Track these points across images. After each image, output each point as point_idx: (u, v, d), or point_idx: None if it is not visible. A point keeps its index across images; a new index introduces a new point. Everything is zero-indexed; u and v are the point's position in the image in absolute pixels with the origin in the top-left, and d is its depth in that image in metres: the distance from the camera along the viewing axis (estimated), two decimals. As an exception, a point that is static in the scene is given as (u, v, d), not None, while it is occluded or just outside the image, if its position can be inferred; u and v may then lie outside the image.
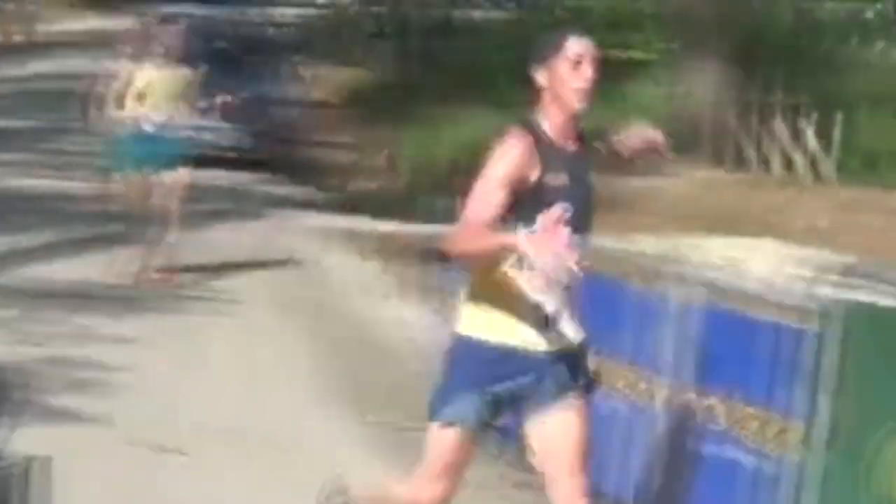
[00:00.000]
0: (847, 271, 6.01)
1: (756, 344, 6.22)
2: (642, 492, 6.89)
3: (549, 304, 5.40)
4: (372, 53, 27.99)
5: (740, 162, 18.44)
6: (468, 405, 5.55)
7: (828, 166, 17.91)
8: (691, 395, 6.59)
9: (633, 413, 7.00)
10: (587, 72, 5.56)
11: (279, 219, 16.31)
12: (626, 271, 7.39)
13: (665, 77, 20.96)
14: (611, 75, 22.33)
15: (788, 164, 18.31)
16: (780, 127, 18.35)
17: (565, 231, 5.31)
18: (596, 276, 7.46)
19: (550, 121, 5.60)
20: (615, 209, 15.73)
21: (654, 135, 5.83)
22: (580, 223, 5.51)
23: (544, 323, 5.43)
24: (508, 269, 5.37)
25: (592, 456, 6.02)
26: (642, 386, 6.96)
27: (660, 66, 21.66)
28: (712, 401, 6.45)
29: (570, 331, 5.44)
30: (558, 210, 5.35)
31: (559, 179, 5.49)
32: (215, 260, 13.13)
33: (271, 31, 27.64)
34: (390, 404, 9.07)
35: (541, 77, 5.63)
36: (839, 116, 17.94)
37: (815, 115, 18.14)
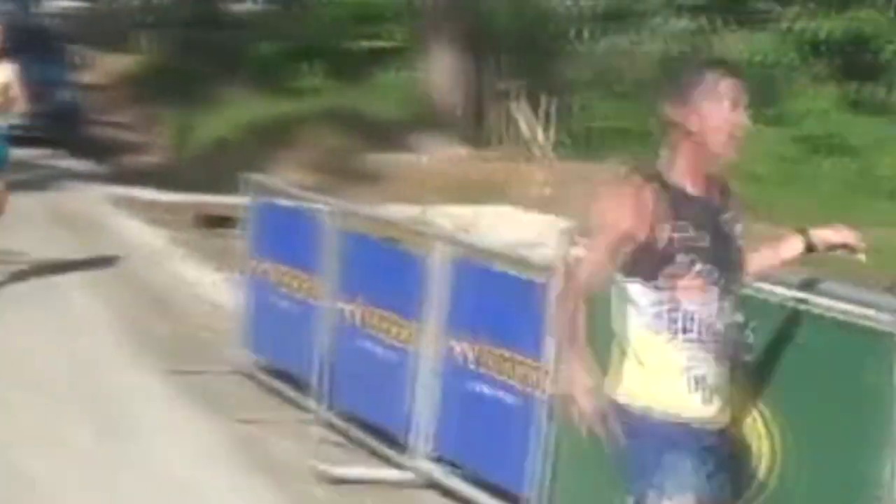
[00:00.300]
0: (577, 231, 6.15)
1: (503, 294, 6.50)
2: (413, 424, 7.13)
3: (703, 377, 4.50)
4: (144, 41, 27.77)
5: (479, 140, 18.91)
6: (688, 470, 4.43)
7: (551, 143, 18.56)
8: (450, 341, 6.79)
9: (401, 357, 7.22)
10: (741, 117, 4.45)
11: (68, 190, 16.18)
12: (392, 234, 7.71)
13: (411, 64, 21.30)
14: (363, 63, 22.64)
15: (519, 141, 18.88)
16: (512, 108, 18.89)
17: (698, 287, 4.46)
18: (365, 237, 7.87)
19: (686, 167, 4.49)
20: (376, 182, 16.14)
21: (849, 235, 4.76)
22: (723, 282, 4.51)
23: (698, 396, 4.48)
24: (663, 335, 4.48)
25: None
26: (408, 333, 7.17)
27: (407, 53, 21.97)
28: (467, 345, 6.67)
29: (715, 409, 4.54)
30: (686, 267, 4.43)
31: (688, 233, 4.44)
32: (13, 228, 12.93)
33: (50, 21, 27.18)
34: (183, 354, 9.19)
35: (680, 116, 4.48)
36: (560, 99, 18.61)
37: (541, 98, 18.74)
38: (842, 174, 17.92)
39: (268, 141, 18.26)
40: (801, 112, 20.07)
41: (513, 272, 6.60)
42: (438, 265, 6.96)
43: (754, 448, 5.07)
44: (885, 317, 4.73)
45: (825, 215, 15.48)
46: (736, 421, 4.81)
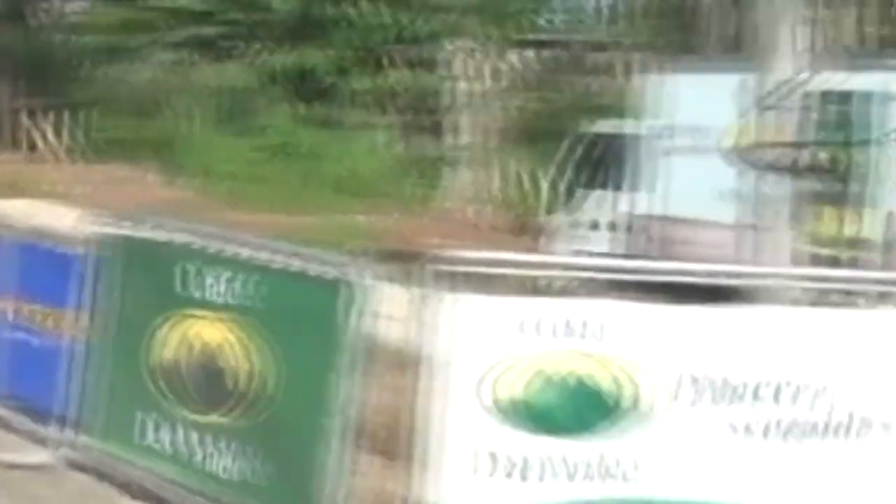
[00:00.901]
0: (117, 217, 6.46)
1: (37, 263, 6.85)
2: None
3: None
4: None
5: (16, 147, 18.86)
6: None
7: (68, 149, 18.73)
8: (18, 304, 6.95)
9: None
10: None
11: None
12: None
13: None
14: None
15: (52, 149, 18.99)
16: (46, 122, 18.94)
17: None
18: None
19: None
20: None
21: None
22: None
23: None
24: None
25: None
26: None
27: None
28: (25, 305, 6.89)
29: None
30: None
31: None
32: None
33: None
34: None
35: None
36: (78, 114, 18.90)
37: (71, 114, 18.98)
38: (297, 173, 18.98)
39: None
40: (263, 126, 21.13)
41: (44, 245, 6.90)
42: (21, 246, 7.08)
43: (244, 372, 5.61)
44: (334, 271, 5.40)
45: (286, 206, 16.44)
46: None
